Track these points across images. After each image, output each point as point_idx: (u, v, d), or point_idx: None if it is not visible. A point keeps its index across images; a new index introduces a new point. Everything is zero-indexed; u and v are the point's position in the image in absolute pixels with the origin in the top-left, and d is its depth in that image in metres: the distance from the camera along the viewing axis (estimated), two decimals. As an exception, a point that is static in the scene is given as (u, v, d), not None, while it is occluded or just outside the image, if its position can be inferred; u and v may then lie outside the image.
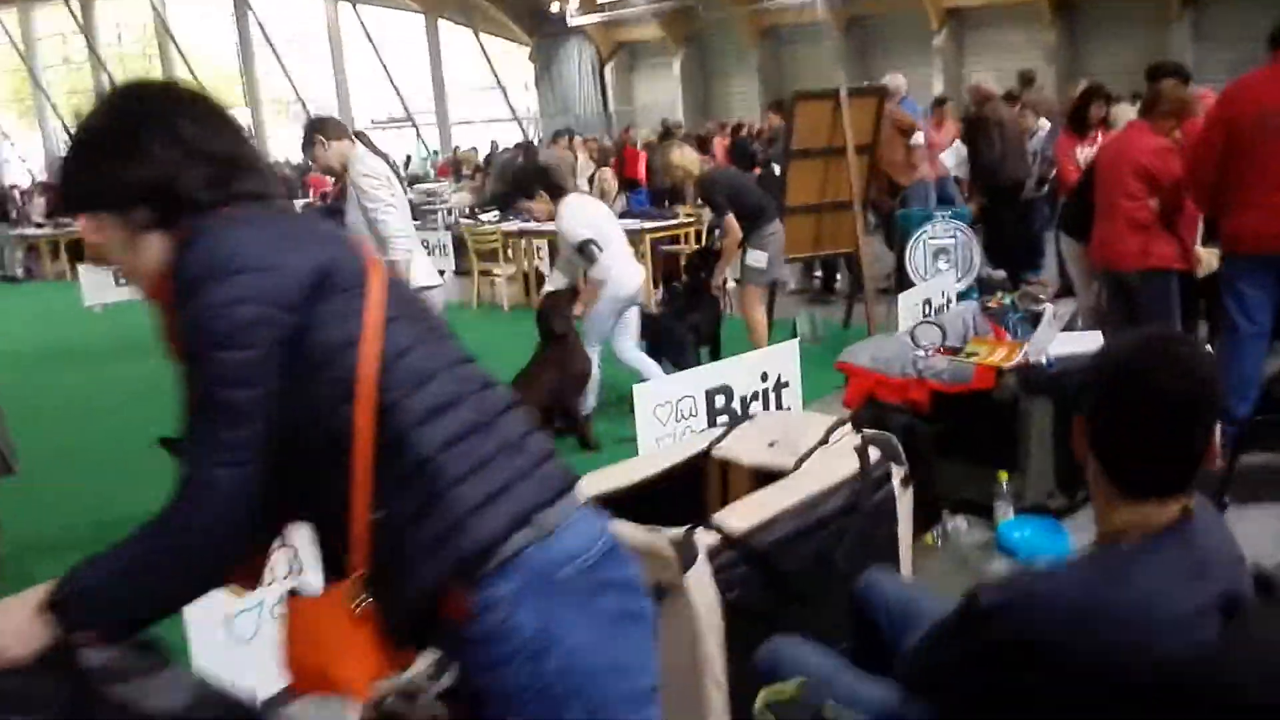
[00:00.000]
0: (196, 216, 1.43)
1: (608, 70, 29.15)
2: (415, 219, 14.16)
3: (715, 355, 6.62)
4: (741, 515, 2.68)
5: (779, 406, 4.88)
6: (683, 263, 8.00)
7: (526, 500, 1.46)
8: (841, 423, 3.19)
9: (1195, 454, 1.61)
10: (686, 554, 2.49)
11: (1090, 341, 4.35)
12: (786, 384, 4.89)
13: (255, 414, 1.38)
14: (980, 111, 8.45)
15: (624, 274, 5.53)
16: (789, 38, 25.37)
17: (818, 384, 5.30)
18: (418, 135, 31.52)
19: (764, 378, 4.80)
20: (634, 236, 9.33)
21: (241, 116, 24.30)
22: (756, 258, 6.25)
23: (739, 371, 4.73)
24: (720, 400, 4.62)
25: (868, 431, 3.17)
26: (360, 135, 4.69)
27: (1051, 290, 7.26)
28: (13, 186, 24.40)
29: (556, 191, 5.50)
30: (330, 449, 1.42)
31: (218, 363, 1.37)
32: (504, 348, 5.68)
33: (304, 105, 34.01)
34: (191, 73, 33.35)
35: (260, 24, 33.02)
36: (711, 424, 4.59)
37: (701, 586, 2.50)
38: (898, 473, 3.08)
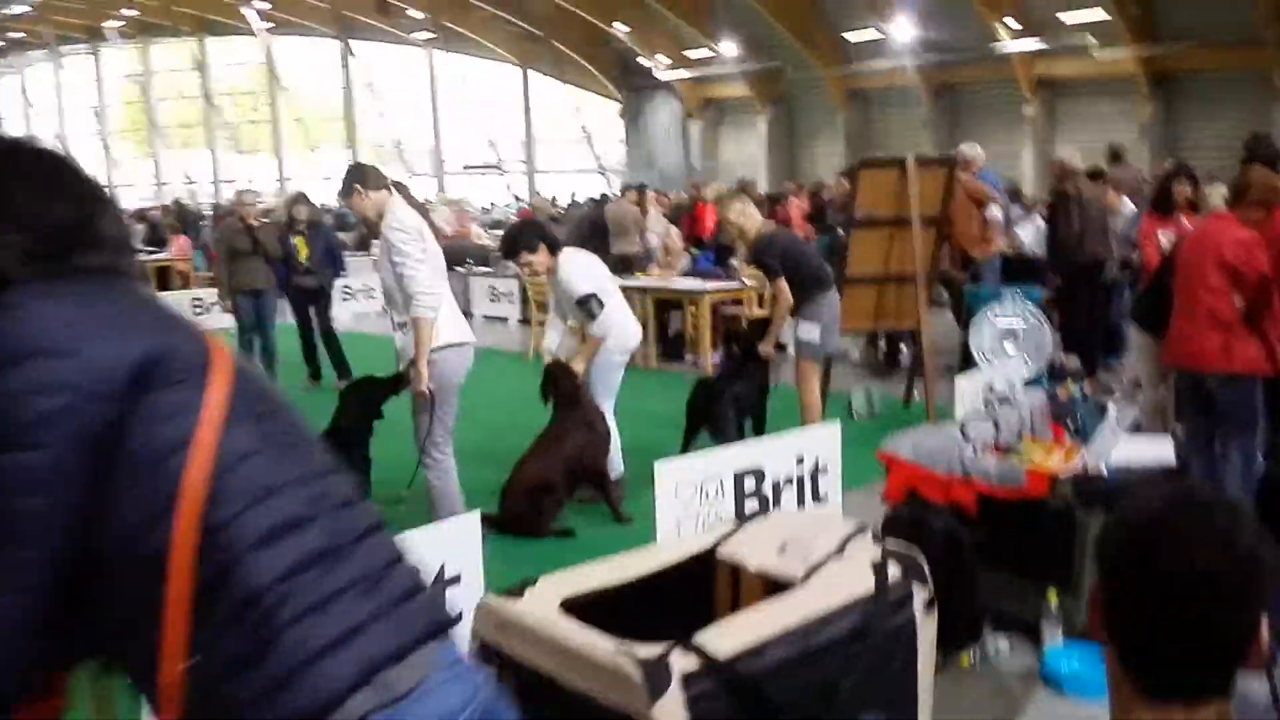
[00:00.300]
0: (8, 291, 1.22)
1: (694, 126, 29.20)
2: (486, 265, 14.32)
3: (759, 430, 6.31)
4: (729, 635, 2.38)
5: (815, 494, 4.58)
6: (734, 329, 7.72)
7: (376, 650, 1.20)
8: (860, 530, 2.88)
9: (1234, 649, 1.29)
10: (656, 680, 2.20)
11: (1157, 448, 3.96)
12: (825, 469, 4.60)
13: (47, 529, 1.15)
14: (1060, 187, 8.05)
15: (626, 328, 5.54)
16: (878, 101, 25.09)
17: (864, 467, 4.97)
18: (506, 183, 32.00)
19: (800, 461, 4.51)
20: (693, 297, 9.13)
21: (342, 158, 25.18)
22: (807, 330, 5.95)
23: (773, 453, 4.44)
24: (750, 483, 4.33)
25: (890, 544, 2.85)
26: (399, 186, 4.55)
27: (1128, 380, 6.80)
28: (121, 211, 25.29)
29: (555, 245, 5.47)
30: (142, 575, 1.17)
31: (3, 465, 1.14)
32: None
33: (399, 149, 34.95)
34: (297, 113, 34.59)
35: (364, 69, 34.03)
36: (739, 509, 4.31)
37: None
38: (921, 594, 2.74)
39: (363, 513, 1.31)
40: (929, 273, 7.04)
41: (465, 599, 3.45)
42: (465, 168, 35.12)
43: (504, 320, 12.56)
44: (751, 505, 4.34)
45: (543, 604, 2.52)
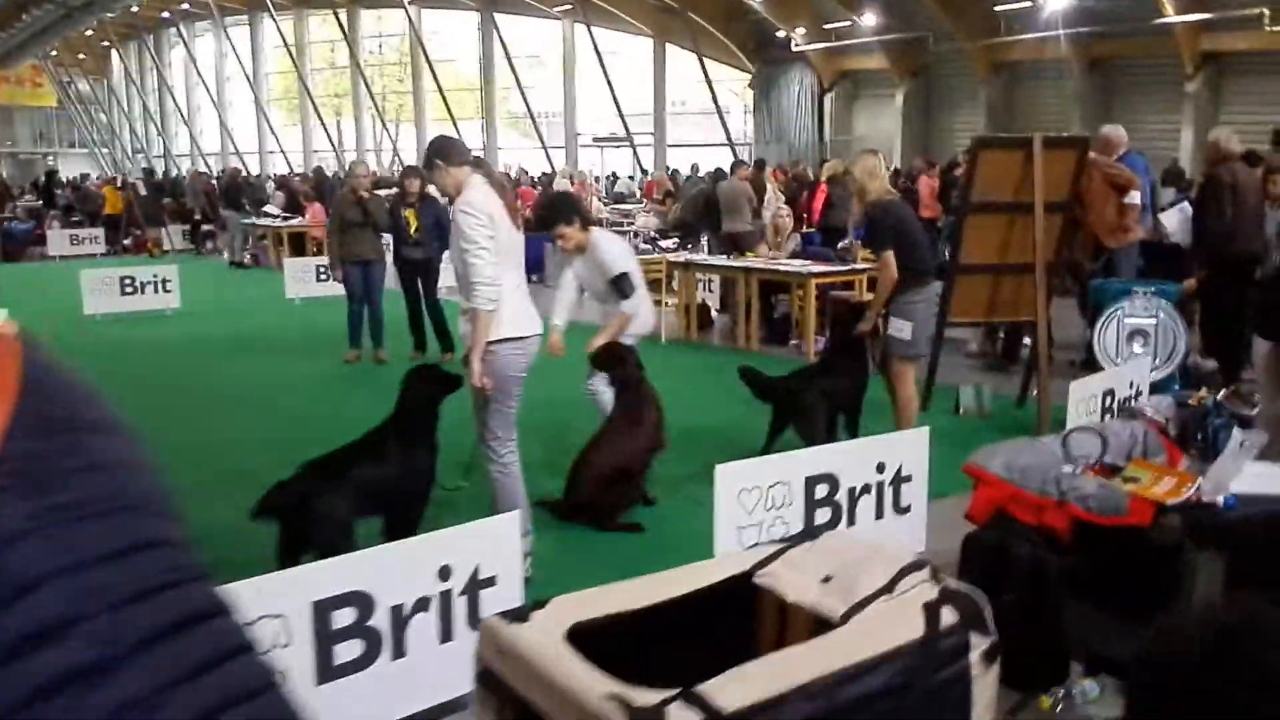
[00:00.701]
0: None
1: (828, 99, 28.39)
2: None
3: (854, 428, 5.94)
4: (742, 685, 2.10)
5: (897, 503, 4.24)
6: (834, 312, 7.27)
7: None
8: (917, 565, 2.55)
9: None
10: (648, 736, 1.96)
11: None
12: (909, 478, 4.25)
13: None
14: (1213, 171, 7.31)
15: (648, 311, 5.67)
16: (1024, 75, 23.82)
17: (957, 476, 4.56)
18: (634, 154, 31.84)
19: (880, 468, 4.17)
20: (800, 280, 8.76)
21: (477, 128, 25.65)
22: (899, 327, 5.52)
23: (849, 458, 4.12)
24: (822, 490, 4.03)
25: (950, 584, 2.51)
26: (480, 163, 4.33)
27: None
28: (256, 176, 26.34)
29: (588, 221, 5.51)
30: None
31: None
32: (659, 383, 5.35)
33: (533, 120, 35.23)
34: (437, 83, 35.26)
35: (502, 41, 34.36)
36: (809, 519, 4.02)
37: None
38: (980, 644, 2.41)
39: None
40: (1052, 263, 6.48)
41: (500, 603, 3.28)
42: (595, 139, 35.10)
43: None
44: (823, 515, 4.04)
45: (548, 631, 2.30)
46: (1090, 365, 6.82)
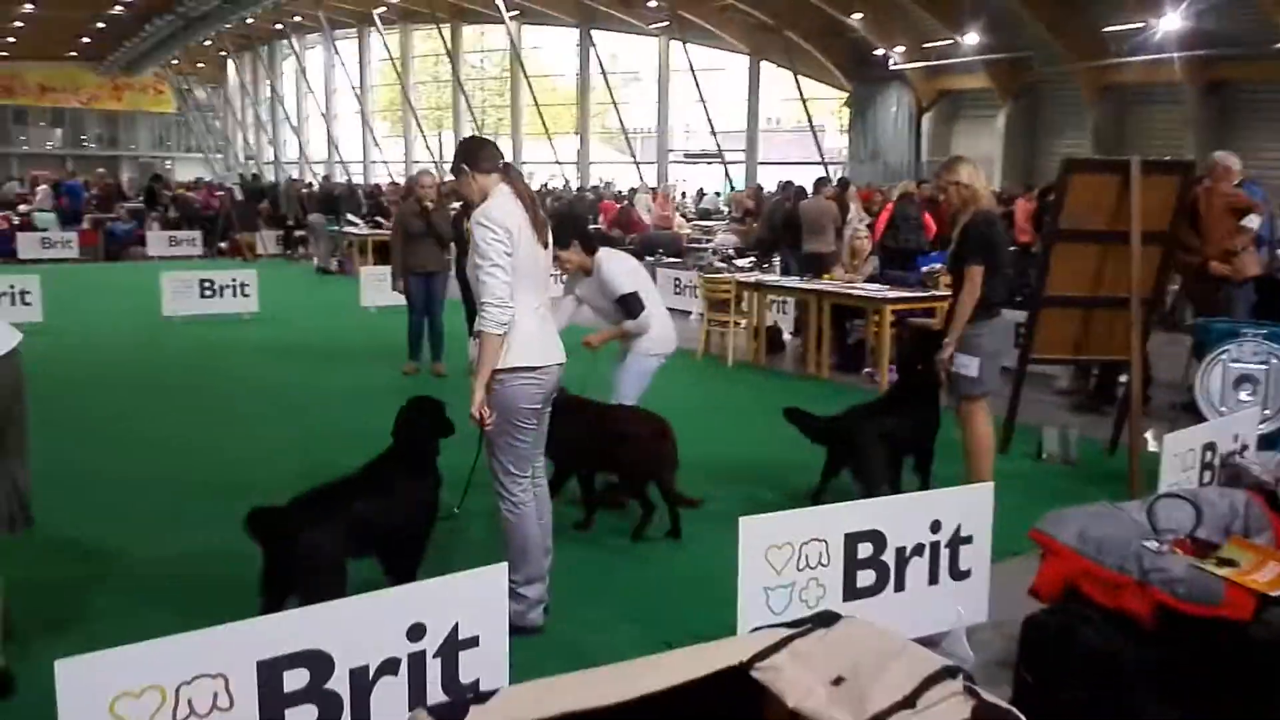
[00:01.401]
0: None
1: (925, 120, 27.56)
2: (678, 256, 13.81)
3: (924, 472, 5.42)
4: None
5: (954, 567, 3.75)
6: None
7: None
8: (948, 674, 2.09)
9: None
10: None
11: None
12: (969, 538, 3.75)
13: None
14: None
15: (664, 331, 5.50)
16: (1134, 98, 22.70)
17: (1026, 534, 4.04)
18: (725, 171, 31.48)
19: (935, 527, 3.68)
20: (875, 306, 8.25)
21: (572, 143, 25.96)
22: (964, 363, 4.98)
23: (898, 513, 3.65)
24: (865, 550, 3.57)
25: (987, 698, 2.05)
26: (508, 170, 3.96)
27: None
28: (357, 186, 26.72)
29: (588, 243, 5.33)
30: None
31: None
32: (725, 406, 5.00)
33: (625, 135, 35.17)
34: (534, 97, 35.49)
35: (598, 57, 34.40)
36: (849, 581, 3.56)
37: None
38: (1019, 776, 1.96)
39: None
40: (1149, 299, 5.86)
41: (484, 665, 2.93)
42: (686, 155, 34.81)
43: (686, 314, 12.00)
44: (866, 578, 3.58)
45: (487, 729, 1.93)
46: (1193, 410, 6.18)
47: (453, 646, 2.85)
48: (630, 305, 5.23)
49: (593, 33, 35.20)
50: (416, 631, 2.78)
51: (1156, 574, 2.99)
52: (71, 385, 8.49)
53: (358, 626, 2.69)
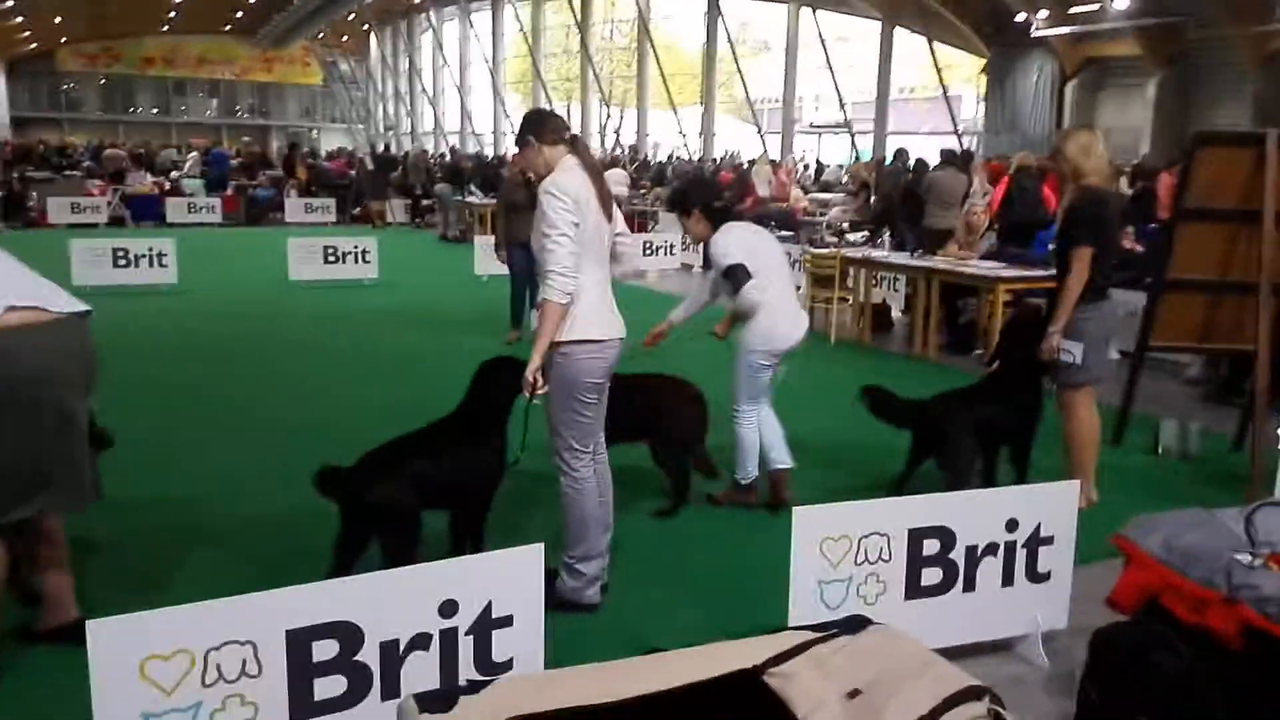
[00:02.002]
0: None
1: (1069, 88, 26.15)
2: (789, 229, 13.50)
3: (1021, 464, 5.12)
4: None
5: (1032, 569, 3.52)
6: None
7: None
8: (974, 694, 1.94)
9: None
10: None
11: None
12: (1049, 539, 3.51)
13: None
14: None
15: (781, 319, 4.82)
16: (1302, 64, 21.01)
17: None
18: (852, 141, 30.69)
19: (1011, 526, 3.46)
20: (988, 285, 7.87)
21: (694, 113, 25.93)
22: (1066, 348, 4.67)
23: (971, 510, 3.44)
24: (931, 547, 3.39)
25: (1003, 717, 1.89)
26: (575, 142, 3.89)
27: None
28: (490, 158, 27.21)
29: (714, 215, 4.88)
30: None
31: None
32: (818, 386, 4.87)
33: (751, 106, 34.65)
34: (660, 67, 35.28)
35: (726, 27, 33.91)
36: (913, 580, 3.38)
37: None
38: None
39: None
40: (1281, 283, 5.38)
41: (518, 644, 2.89)
42: (812, 126, 34.05)
43: (796, 289, 11.75)
44: (932, 575, 3.39)
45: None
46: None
47: (485, 625, 2.82)
48: (734, 276, 4.70)
49: (721, 1, 34.69)
50: (449, 608, 2.76)
51: (1246, 591, 2.72)
52: (196, 345, 8.89)
53: (388, 600, 2.69)
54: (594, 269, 3.74)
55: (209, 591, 2.57)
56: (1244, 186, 5.20)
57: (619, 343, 3.81)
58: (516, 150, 4.04)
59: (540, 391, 3.64)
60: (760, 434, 4.93)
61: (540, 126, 3.84)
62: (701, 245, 4.97)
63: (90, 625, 2.35)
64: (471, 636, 2.80)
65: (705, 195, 4.98)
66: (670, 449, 4.89)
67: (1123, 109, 25.01)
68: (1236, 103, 21.93)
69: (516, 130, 4.02)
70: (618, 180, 20.43)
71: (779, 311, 4.79)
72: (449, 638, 2.77)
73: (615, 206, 3.95)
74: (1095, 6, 23.41)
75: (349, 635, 2.64)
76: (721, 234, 4.79)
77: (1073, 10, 24.39)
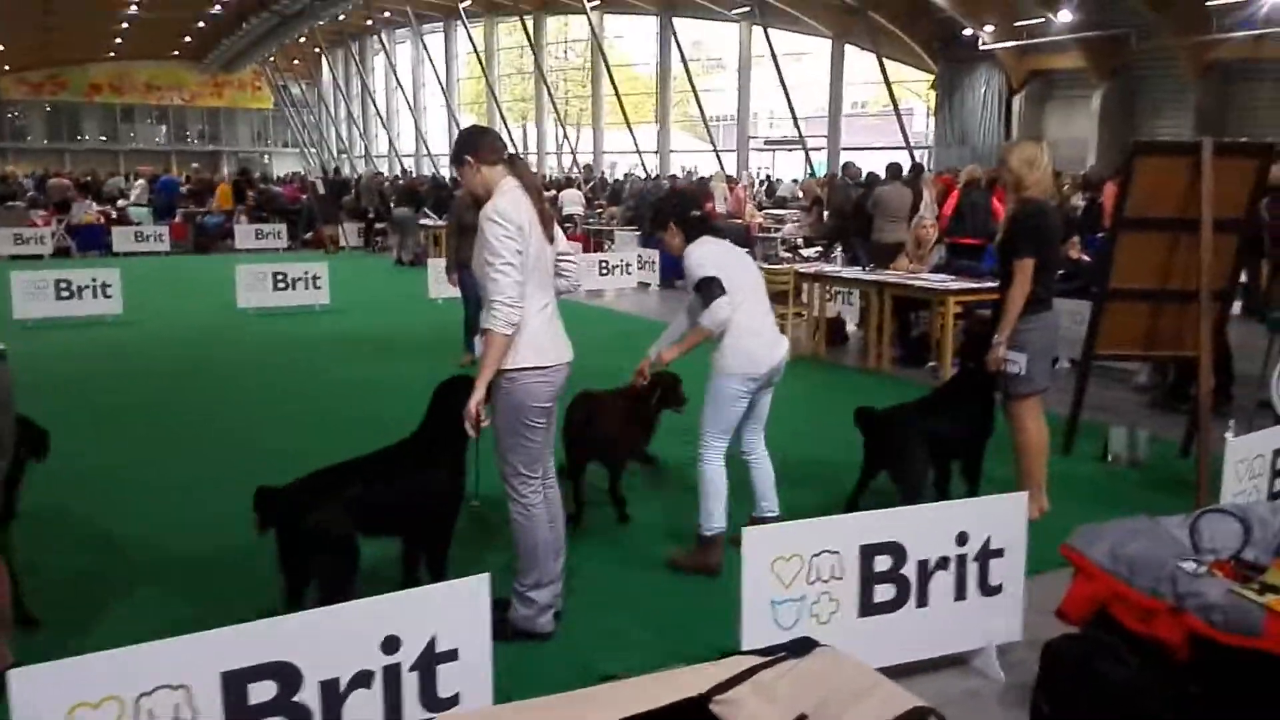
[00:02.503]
0: None
1: (1016, 101, 26.61)
2: (745, 247, 13.54)
3: (972, 477, 5.14)
4: None
5: (984, 581, 3.53)
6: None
7: None
8: (920, 714, 1.91)
9: None
10: None
11: None
12: (999, 552, 3.51)
13: None
14: None
15: (755, 340, 4.44)
16: (1239, 75, 21.54)
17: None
18: (806, 157, 30.95)
19: (961, 539, 3.46)
20: (938, 298, 7.93)
21: (652, 132, 25.98)
22: (1012, 359, 4.71)
23: (921, 525, 3.43)
24: (883, 563, 3.37)
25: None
26: (514, 162, 3.82)
27: None
28: (446, 179, 27.03)
29: (691, 227, 4.55)
30: None
31: None
32: (777, 401, 4.72)
33: (705, 123, 34.86)
34: (614, 86, 35.36)
35: (679, 45, 34.11)
36: (866, 596, 3.37)
37: None
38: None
39: None
40: (1222, 291, 5.46)
41: (464, 679, 2.82)
42: (766, 142, 34.31)
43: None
44: (884, 593, 3.38)
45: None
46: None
47: (430, 660, 2.76)
48: (703, 293, 4.35)
49: (674, 20, 34.94)
50: (391, 644, 2.70)
51: (1191, 599, 2.73)
52: (140, 376, 8.72)
53: (328, 638, 2.62)
54: (538, 294, 3.68)
55: (143, 633, 2.49)
56: (1182, 195, 5.28)
57: (566, 367, 3.77)
58: (459, 170, 3.95)
59: (484, 424, 3.59)
60: (751, 475, 4.66)
61: (477, 145, 3.75)
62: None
63: (12, 674, 2.27)
64: (416, 672, 2.74)
65: (681, 208, 4.71)
66: (574, 465, 4.95)
67: (1068, 120, 25.50)
68: (1178, 112, 22.43)
69: (452, 149, 3.91)
70: (573, 201, 20.45)
71: (753, 332, 4.46)
72: (392, 674, 2.71)
73: (555, 224, 3.90)
74: (1040, 20, 23.86)
75: (287, 675, 2.56)
76: (695, 247, 4.50)
77: (1018, 24, 24.85)
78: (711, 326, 4.36)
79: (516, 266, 3.55)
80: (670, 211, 4.67)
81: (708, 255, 4.45)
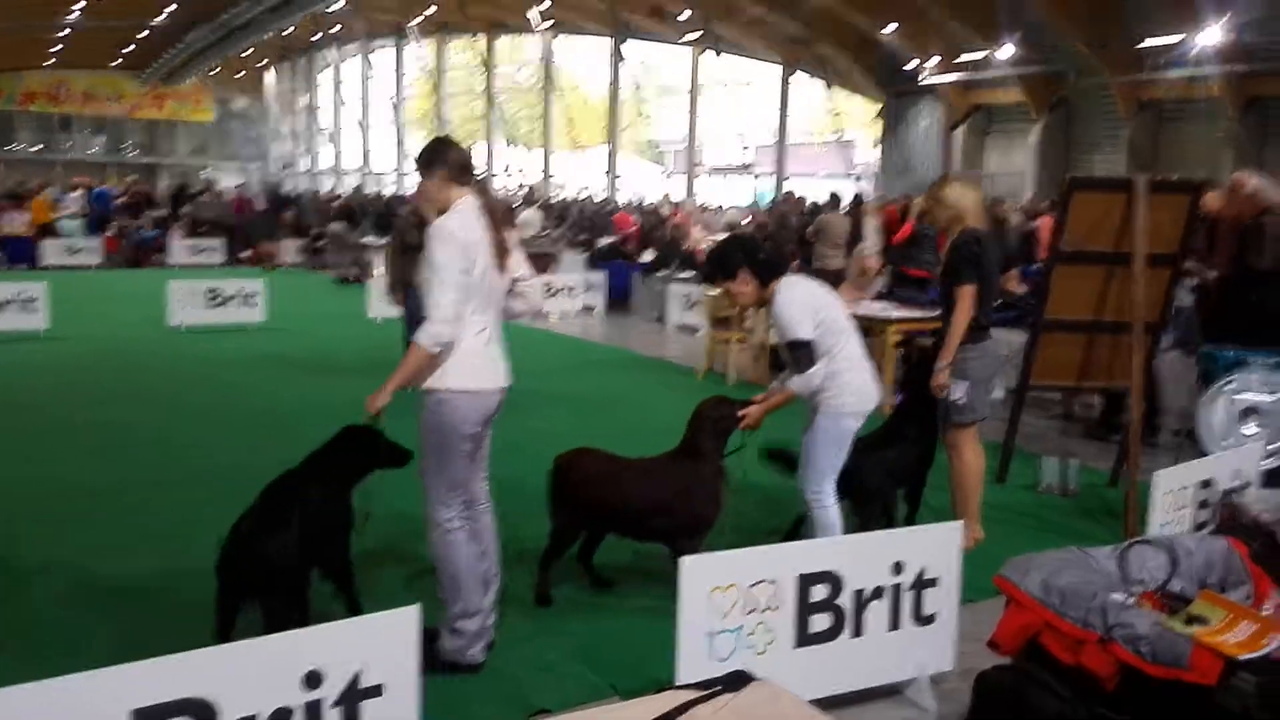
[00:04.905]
0: None
1: (957, 133, 27.14)
2: (693, 271, 13.59)
3: (914, 504, 5.17)
4: None
5: (918, 611, 3.53)
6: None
7: None
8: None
9: None
10: None
11: None
12: (933, 581, 3.52)
13: None
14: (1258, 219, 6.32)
15: (862, 380, 4.28)
16: (1171, 114, 22.20)
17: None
18: (754, 184, 31.29)
19: (896, 568, 3.45)
20: (878, 326, 7.99)
21: (601, 154, 26.00)
22: (952, 389, 4.77)
23: (857, 554, 3.43)
24: (821, 592, 3.36)
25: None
26: (479, 184, 3.73)
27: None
28: (389, 197, 26.82)
29: (766, 271, 4.26)
30: None
31: None
32: None
33: (654, 148, 35.13)
34: (564, 109, 35.40)
35: (630, 70, 34.29)
36: (803, 625, 3.34)
37: None
38: None
39: None
40: (1153, 324, 5.58)
41: (390, 715, 2.74)
42: (714, 169, 34.60)
43: (695, 331, 11.81)
44: (820, 622, 3.36)
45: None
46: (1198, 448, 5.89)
47: (354, 695, 2.67)
48: (799, 357, 4.12)
49: (626, 44, 35.14)
50: (313, 679, 2.61)
51: (1120, 630, 2.75)
52: (63, 394, 8.45)
53: (246, 673, 2.52)
54: (478, 317, 3.61)
55: (50, 670, 2.37)
56: (1116, 230, 5.39)
57: (499, 393, 3.70)
58: (420, 179, 3.75)
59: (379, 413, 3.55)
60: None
61: (448, 159, 3.63)
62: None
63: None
64: (339, 709, 2.65)
65: (747, 253, 4.34)
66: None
67: (1008, 153, 26.06)
68: (1113, 147, 23.03)
69: (419, 156, 3.70)
70: (531, 222, 20.37)
71: (861, 366, 4.31)
72: (313, 711, 2.61)
73: (515, 250, 3.80)
74: (982, 55, 24.38)
75: (202, 713, 2.46)
76: (787, 292, 4.20)
77: (960, 59, 25.37)
78: (802, 391, 4.22)
79: (457, 286, 3.47)
80: (738, 259, 4.29)
81: (803, 302, 4.19)
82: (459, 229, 3.52)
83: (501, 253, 3.65)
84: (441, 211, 3.61)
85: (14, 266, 18.88)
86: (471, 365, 3.58)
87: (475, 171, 3.78)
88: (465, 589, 3.65)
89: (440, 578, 3.68)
